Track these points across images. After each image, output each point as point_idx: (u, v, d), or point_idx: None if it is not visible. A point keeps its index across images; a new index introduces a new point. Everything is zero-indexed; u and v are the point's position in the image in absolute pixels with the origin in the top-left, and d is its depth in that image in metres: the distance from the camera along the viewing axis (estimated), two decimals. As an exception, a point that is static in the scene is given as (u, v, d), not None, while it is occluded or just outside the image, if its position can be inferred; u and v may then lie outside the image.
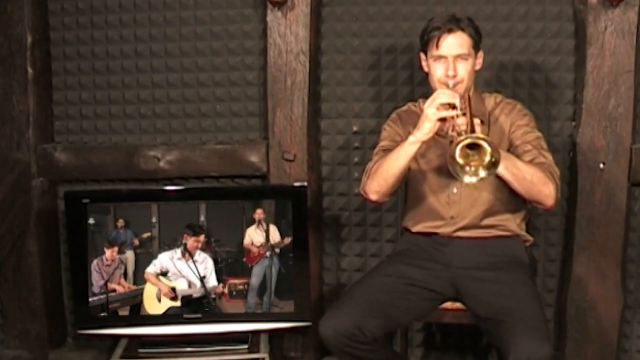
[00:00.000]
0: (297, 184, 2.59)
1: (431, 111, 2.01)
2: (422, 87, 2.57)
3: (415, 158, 2.14)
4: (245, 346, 2.58)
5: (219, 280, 2.57)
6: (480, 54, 2.20)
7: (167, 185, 2.71)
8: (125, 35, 2.81)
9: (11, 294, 2.86)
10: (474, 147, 1.91)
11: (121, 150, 2.82)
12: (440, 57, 2.14)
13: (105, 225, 2.56)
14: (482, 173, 1.91)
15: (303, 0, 2.61)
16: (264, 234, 2.55)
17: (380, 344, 2.08)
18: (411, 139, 2.06)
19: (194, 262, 2.56)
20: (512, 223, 2.23)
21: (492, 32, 2.61)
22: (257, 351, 2.57)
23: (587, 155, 2.55)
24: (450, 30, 2.11)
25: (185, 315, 2.56)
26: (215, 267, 2.56)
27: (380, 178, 2.15)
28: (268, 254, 2.55)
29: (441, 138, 2.13)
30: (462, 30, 2.12)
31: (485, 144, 1.89)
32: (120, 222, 2.56)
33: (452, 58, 2.12)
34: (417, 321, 2.59)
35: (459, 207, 2.21)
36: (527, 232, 2.31)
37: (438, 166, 2.21)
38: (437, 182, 2.23)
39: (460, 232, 2.21)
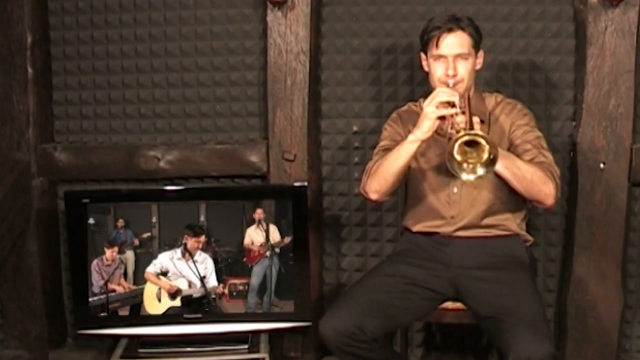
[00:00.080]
0: (297, 184, 2.59)
1: (430, 109, 2.01)
2: (423, 87, 2.57)
3: (415, 157, 2.14)
4: (246, 346, 2.58)
5: (219, 280, 2.57)
6: (481, 53, 2.21)
7: (167, 185, 2.71)
8: (125, 35, 2.81)
9: (11, 294, 2.86)
10: (472, 144, 1.91)
11: (121, 150, 2.82)
12: (440, 56, 2.14)
13: (105, 225, 2.56)
14: (480, 170, 1.91)
15: (303, 0, 2.61)
16: (264, 234, 2.55)
17: (380, 343, 2.07)
18: (411, 137, 2.06)
19: (194, 262, 2.55)
20: (512, 223, 2.23)
21: (492, 32, 2.61)
22: (257, 351, 2.57)
23: (587, 155, 2.55)
24: (450, 30, 2.12)
25: (186, 315, 2.56)
26: (215, 267, 2.56)
27: (381, 177, 2.15)
28: (268, 254, 2.55)
29: (441, 137, 2.13)
30: (462, 29, 2.12)
31: (483, 141, 1.88)
32: (120, 222, 2.55)
33: (452, 57, 2.12)
34: (418, 321, 2.59)
35: (459, 207, 2.21)
36: (527, 231, 2.31)
37: (438, 165, 2.21)
38: (437, 181, 2.23)
39: (460, 232, 2.21)
